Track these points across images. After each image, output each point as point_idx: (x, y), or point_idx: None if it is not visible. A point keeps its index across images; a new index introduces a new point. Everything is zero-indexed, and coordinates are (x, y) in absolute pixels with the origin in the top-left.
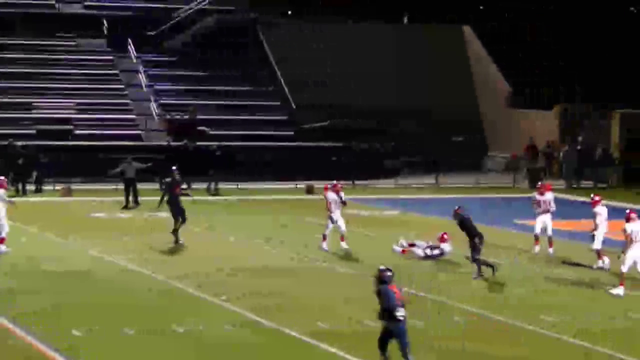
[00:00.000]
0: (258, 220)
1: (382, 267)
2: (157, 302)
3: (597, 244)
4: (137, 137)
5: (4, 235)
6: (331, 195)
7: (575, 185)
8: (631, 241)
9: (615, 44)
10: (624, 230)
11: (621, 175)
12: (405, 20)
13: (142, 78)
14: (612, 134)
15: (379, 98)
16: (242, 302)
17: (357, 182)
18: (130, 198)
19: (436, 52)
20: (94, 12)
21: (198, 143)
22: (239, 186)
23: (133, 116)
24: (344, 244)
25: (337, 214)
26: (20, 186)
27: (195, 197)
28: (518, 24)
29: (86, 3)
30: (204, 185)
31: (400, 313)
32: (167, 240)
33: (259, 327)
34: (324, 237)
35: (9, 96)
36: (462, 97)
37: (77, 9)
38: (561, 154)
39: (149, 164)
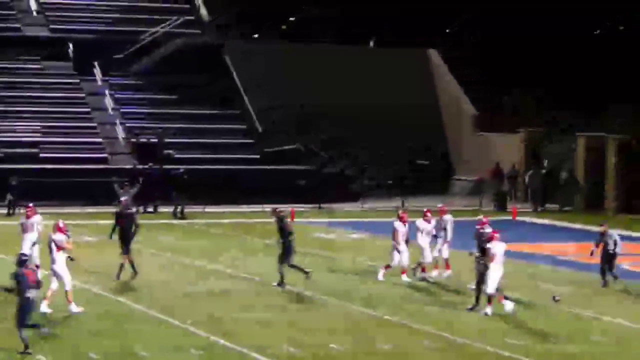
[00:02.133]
0: (223, 243)
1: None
2: (122, 326)
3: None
4: (103, 160)
5: None
6: (400, 227)
7: (540, 209)
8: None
9: (581, 68)
10: (489, 249)
11: (586, 198)
12: (372, 43)
13: (108, 101)
14: (577, 157)
15: (345, 122)
16: (207, 326)
17: (323, 205)
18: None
19: (402, 75)
20: (60, 35)
21: (164, 166)
22: (205, 209)
23: (99, 139)
24: (405, 278)
25: (403, 246)
26: None
27: (162, 221)
28: (484, 48)
29: (52, 26)
30: (170, 209)
31: (30, 294)
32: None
33: (226, 352)
34: (387, 267)
35: None
36: (428, 121)
37: (42, 32)
38: (526, 178)
39: (138, 185)
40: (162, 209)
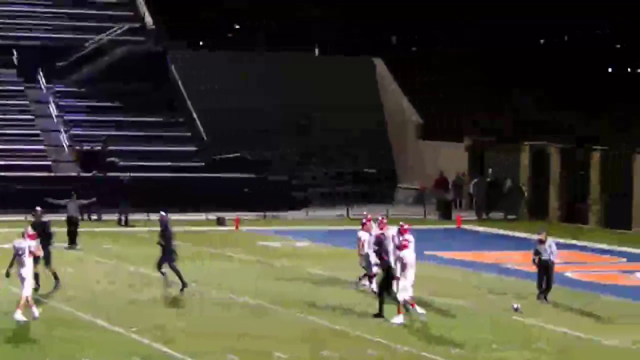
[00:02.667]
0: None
1: None
2: (67, 334)
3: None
4: (47, 168)
5: None
6: (363, 235)
7: (485, 217)
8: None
9: (529, 76)
10: (401, 258)
11: (530, 207)
12: (317, 51)
13: (53, 108)
14: (521, 166)
15: (290, 129)
16: (151, 334)
17: (267, 213)
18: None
19: (347, 83)
20: (4, 42)
21: (108, 174)
22: (150, 217)
23: (43, 147)
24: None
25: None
26: None
27: (107, 229)
28: (429, 56)
29: None
30: (114, 217)
31: None
32: (68, 272)
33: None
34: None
35: None
36: (373, 129)
37: None
38: (471, 186)
39: (93, 199)
40: (107, 217)
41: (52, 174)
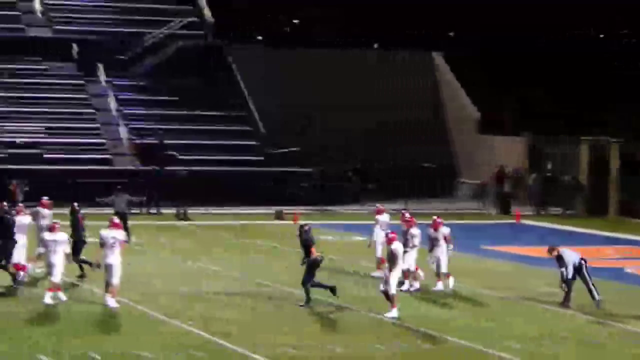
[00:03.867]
0: (226, 245)
1: None
2: (123, 327)
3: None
4: (106, 162)
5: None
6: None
7: (543, 212)
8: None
9: (583, 72)
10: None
11: (588, 202)
12: (376, 47)
13: (112, 102)
14: (580, 161)
15: (349, 123)
16: (208, 327)
17: (325, 207)
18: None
19: (406, 79)
20: (63, 35)
21: (167, 168)
22: (208, 211)
23: (102, 140)
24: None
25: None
26: None
27: (165, 222)
28: (488, 51)
29: (55, 27)
30: (173, 210)
31: None
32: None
33: (226, 352)
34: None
35: None
36: (432, 124)
37: (46, 33)
38: (529, 181)
39: (143, 198)
40: (165, 211)
41: (112, 168)
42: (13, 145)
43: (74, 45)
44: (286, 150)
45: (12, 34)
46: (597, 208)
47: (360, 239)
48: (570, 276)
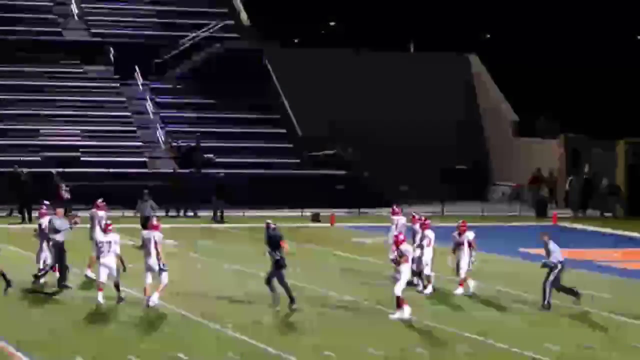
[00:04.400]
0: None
1: None
2: (163, 330)
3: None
4: (142, 165)
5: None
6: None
7: (581, 215)
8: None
9: (621, 74)
10: (400, 251)
11: (626, 205)
12: (412, 48)
13: (149, 105)
14: (618, 164)
15: (384, 124)
16: (247, 330)
17: (361, 209)
18: None
19: (441, 80)
20: (100, 39)
21: (204, 170)
22: (245, 214)
23: (139, 143)
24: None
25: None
26: (25, 213)
27: (202, 225)
28: (525, 53)
29: (92, 30)
30: (209, 213)
31: None
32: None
33: (266, 355)
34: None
35: (15, 123)
36: (467, 125)
37: (83, 36)
38: (567, 184)
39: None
40: (202, 213)
41: (148, 170)
42: (51, 148)
43: (111, 49)
44: (322, 153)
45: (50, 37)
46: (636, 210)
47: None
48: (553, 262)
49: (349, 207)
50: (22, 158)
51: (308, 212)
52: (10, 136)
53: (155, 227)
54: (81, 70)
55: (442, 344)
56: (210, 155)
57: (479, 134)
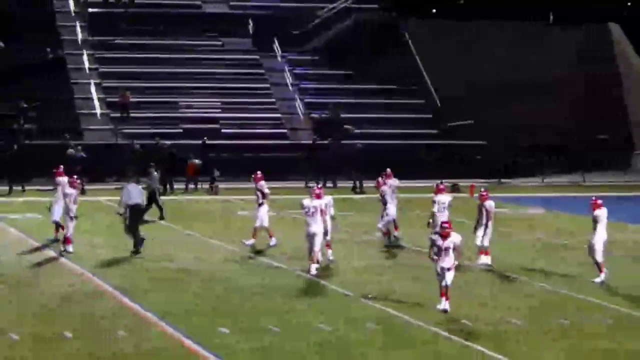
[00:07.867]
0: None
1: None
2: (299, 300)
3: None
4: (282, 136)
5: None
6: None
7: None
8: None
9: None
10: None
11: None
12: (551, 19)
13: (288, 77)
14: None
15: (521, 97)
16: (385, 300)
17: (501, 179)
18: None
19: (582, 50)
20: (239, 11)
21: (343, 141)
22: None
23: (278, 115)
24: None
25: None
26: (168, 184)
27: (341, 196)
28: None
29: (231, 3)
30: (349, 184)
31: None
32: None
33: (405, 325)
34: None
35: (155, 96)
36: (608, 95)
37: (222, 8)
38: None
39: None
40: (341, 184)
41: (288, 142)
42: (190, 120)
43: (250, 21)
44: (461, 123)
45: (190, 10)
46: None
47: (536, 212)
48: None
49: (488, 177)
50: (162, 130)
51: (446, 183)
52: (151, 109)
53: (318, 196)
54: (220, 42)
55: (583, 313)
56: (349, 126)
57: (620, 103)
